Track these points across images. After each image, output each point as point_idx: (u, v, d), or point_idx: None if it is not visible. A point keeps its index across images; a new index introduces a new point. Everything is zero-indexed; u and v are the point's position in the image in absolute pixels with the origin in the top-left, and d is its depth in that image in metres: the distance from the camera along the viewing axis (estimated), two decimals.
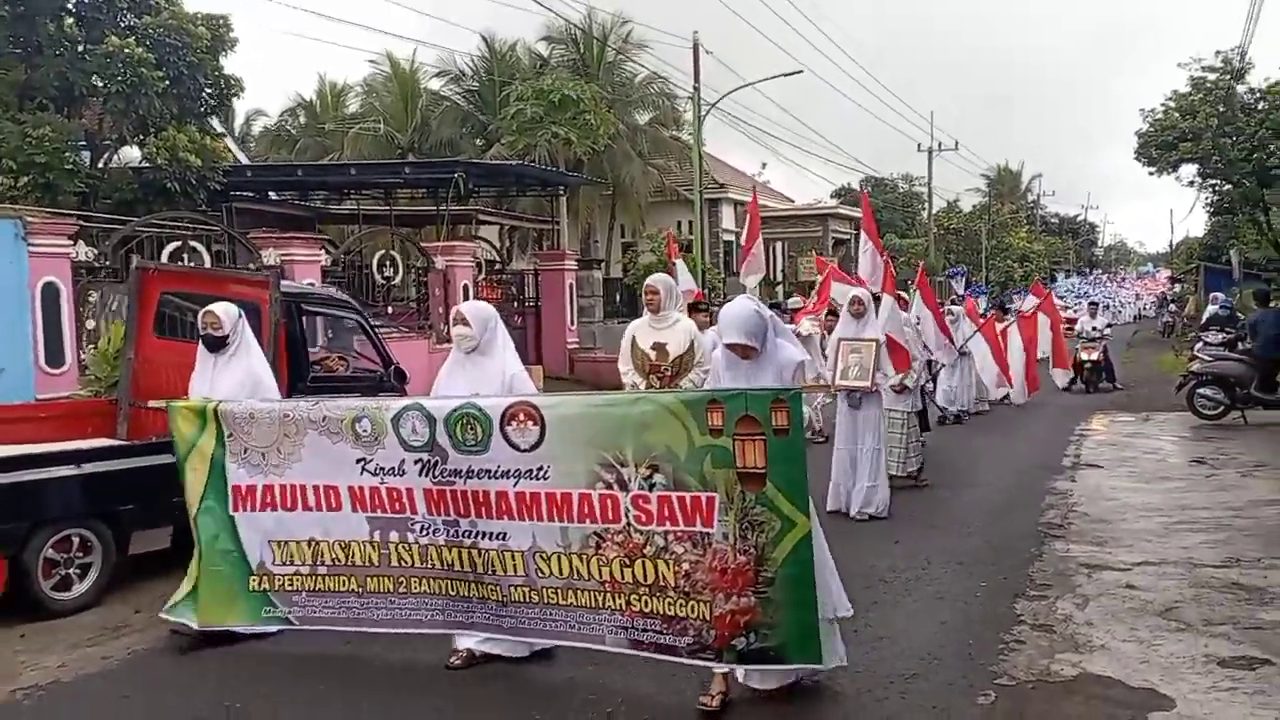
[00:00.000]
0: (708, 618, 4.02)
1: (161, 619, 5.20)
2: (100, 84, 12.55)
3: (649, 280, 6.99)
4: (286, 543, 4.87)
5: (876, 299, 8.62)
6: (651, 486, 4.08)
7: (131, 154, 14.16)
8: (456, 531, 4.50)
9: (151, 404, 6.25)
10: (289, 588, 4.90)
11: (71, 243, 10.35)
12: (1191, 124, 25.67)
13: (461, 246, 15.88)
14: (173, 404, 5.19)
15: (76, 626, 5.63)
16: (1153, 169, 28.21)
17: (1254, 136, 24.03)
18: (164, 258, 10.89)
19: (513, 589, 4.44)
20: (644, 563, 4.12)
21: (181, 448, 5.05)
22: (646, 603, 4.14)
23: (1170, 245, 69.45)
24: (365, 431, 4.60)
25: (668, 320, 6.76)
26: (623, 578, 4.17)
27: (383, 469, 4.61)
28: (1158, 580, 5.98)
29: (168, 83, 12.39)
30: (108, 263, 10.86)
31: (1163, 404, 15.43)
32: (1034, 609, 5.54)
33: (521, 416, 4.30)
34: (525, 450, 4.30)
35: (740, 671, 4.22)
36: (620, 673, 4.54)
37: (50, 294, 10.08)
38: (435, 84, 29.88)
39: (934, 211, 48.21)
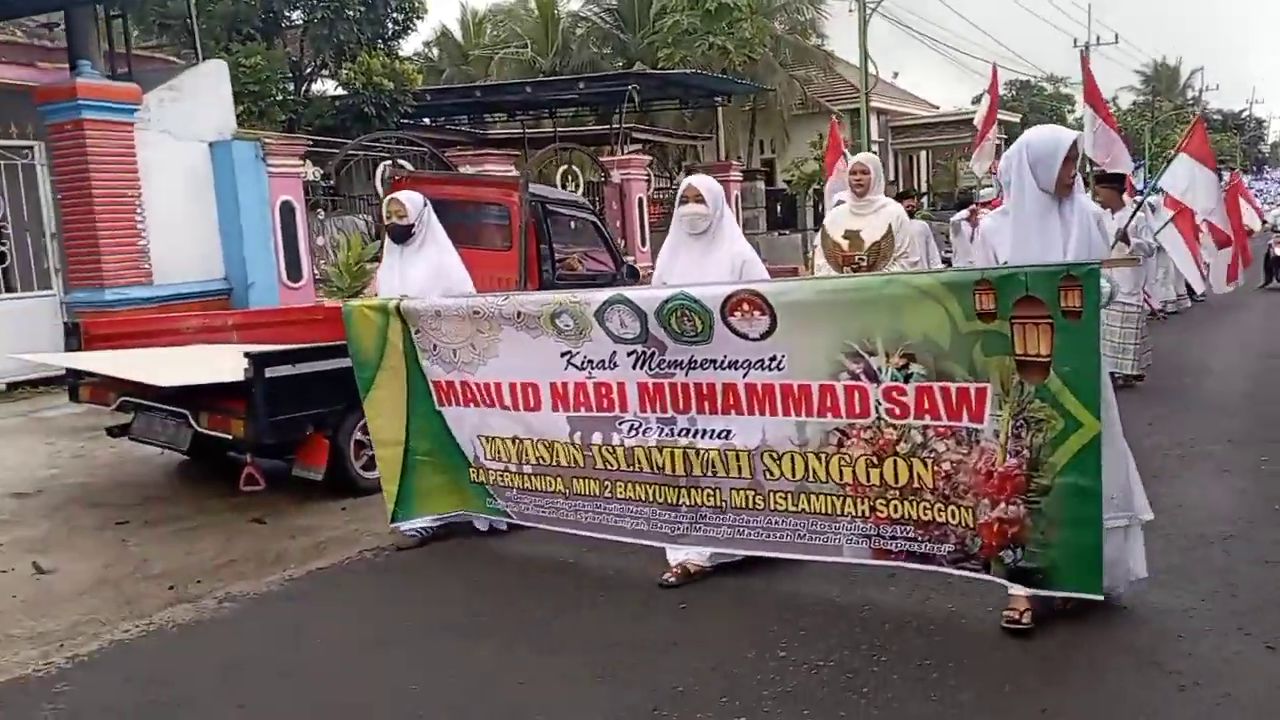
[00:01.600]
0: (971, 524, 3.54)
1: (392, 531, 4.97)
2: (301, 14, 13.11)
3: (856, 159, 6.31)
4: (493, 438, 4.62)
5: (1116, 179, 8.28)
6: (908, 378, 3.57)
7: (327, 84, 14.81)
8: (672, 430, 4.08)
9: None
10: (501, 484, 4.68)
11: (302, 163, 10.96)
12: None
13: (636, 160, 16.06)
14: (349, 304, 4.95)
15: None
16: None
17: None
18: (377, 175, 11.43)
19: (734, 493, 4.00)
20: (896, 462, 3.64)
21: (365, 348, 4.78)
22: (896, 508, 3.68)
23: None
24: (568, 326, 4.21)
25: (871, 205, 6.05)
26: (868, 479, 3.71)
27: (591, 362, 4.21)
28: None
29: (363, 8, 12.84)
30: (331, 182, 11.46)
31: None
32: None
33: (746, 306, 3.79)
34: (755, 339, 3.82)
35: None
36: (860, 586, 4.10)
37: (287, 212, 10.75)
38: (574, 4, 29.97)
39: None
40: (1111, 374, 7.49)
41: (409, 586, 4.54)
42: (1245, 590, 3.96)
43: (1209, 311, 14.26)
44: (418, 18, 14.33)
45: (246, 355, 5.25)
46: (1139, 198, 8.57)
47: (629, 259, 14.80)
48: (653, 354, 4.03)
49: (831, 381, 3.71)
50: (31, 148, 10.13)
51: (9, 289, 10.29)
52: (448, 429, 4.74)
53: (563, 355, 4.26)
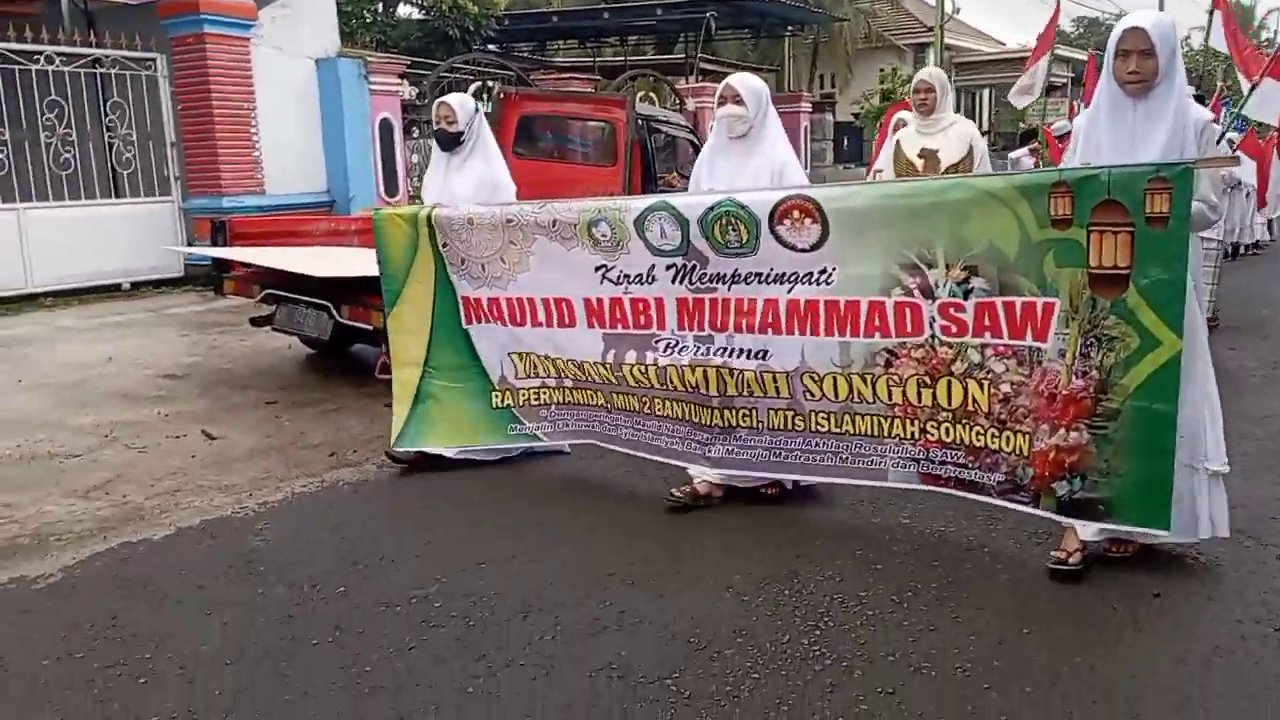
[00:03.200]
0: (1025, 453, 3.26)
1: (388, 454, 4.65)
2: None
3: (920, 75, 5.86)
4: (528, 354, 4.37)
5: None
6: (968, 294, 3.27)
7: (410, 8, 15.10)
8: (708, 349, 3.81)
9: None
10: (535, 401, 4.43)
11: (401, 82, 11.31)
12: None
13: (711, 88, 16.14)
14: (380, 211, 4.68)
15: None
16: None
17: None
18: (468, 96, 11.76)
19: (772, 413, 3.74)
20: (950, 383, 3.35)
21: (394, 259, 4.51)
22: (948, 430, 3.40)
23: None
24: (605, 237, 3.95)
25: (941, 123, 5.61)
26: (919, 400, 3.42)
27: (627, 276, 3.95)
28: None
29: None
30: (426, 101, 11.80)
31: None
32: None
33: (796, 214, 3.50)
34: (804, 250, 3.54)
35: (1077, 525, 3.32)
36: (889, 510, 3.90)
37: (386, 129, 11.15)
38: None
39: None
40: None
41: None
42: None
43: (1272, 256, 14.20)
44: None
45: None
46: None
47: None
48: (694, 267, 3.77)
49: (882, 298, 3.42)
50: (154, 60, 10.60)
51: (133, 194, 10.84)
52: (473, 348, 4.50)
53: (597, 270, 4.00)
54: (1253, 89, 6.78)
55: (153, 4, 10.32)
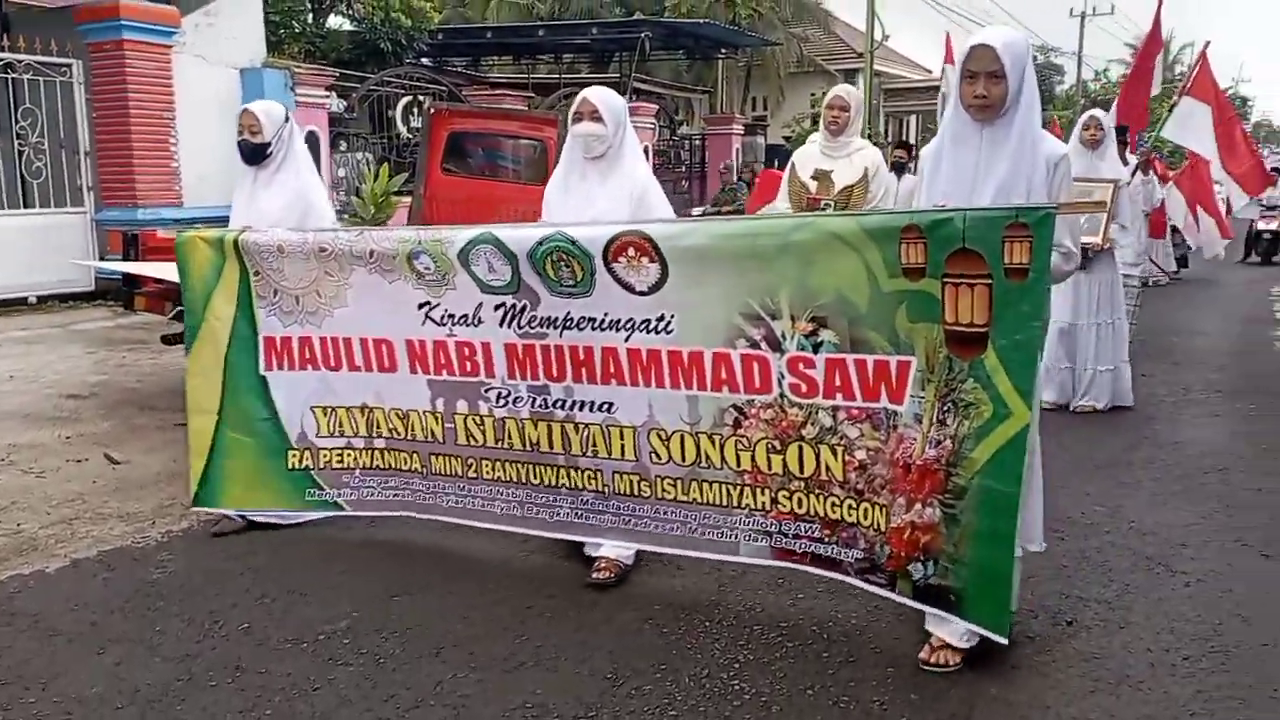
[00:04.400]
0: (882, 528, 2.92)
1: (194, 513, 4.18)
2: None
3: (835, 91, 5.45)
4: (334, 410, 3.85)
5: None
6: (817, 347, 2.94)
7: (342, 19, 14.88)
8: (546, 400, 3.43)
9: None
10: (337, 464, 3.90)
11: (329, 94, 11.12)
12: None
13: (644, 108, 16.27)
14: (181, 235, 4.06)
15: None
16: None
17: None
18: (399, 110, 11.59)
19: (618, 477, 3.38)
20: (801, 448, 3.02)
21: (194, 289, 3.96)
22: (801, 501, 3.07)
23: None
24: (428, 270, 3.51)
25: (846, 147, 5.21)
26: (769, 468, 3.09)
27: (452, 316, 3.52)
28: None
29: None
30: (355, 114, 11.61)
31: None
32: None
33: (633, 251, 3.13)
34: (643, 293, 3.17)
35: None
36: (739, 587, 3.46)
37: (312, 142, 10.91)
38: None
39: (1080, 80, 46.17)
40: None
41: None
42: (1241, 511, 4.39)
43: (1191, 285, 14.59)
44: None
45: None
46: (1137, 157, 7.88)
47: None
48: (524, 308, 3.38)
49: (727, 349, 3.08)
50: (70, 66, 10.26)
51: (43, 204, 10.45)
52: (270, 399, 3.94)
53: (420, 307, 3.57)
54: (1170, 109, 6.95)
55: (70, 8, 9.98)
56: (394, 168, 10.14)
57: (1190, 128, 6.71)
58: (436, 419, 3.66)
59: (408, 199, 8.95)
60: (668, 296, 3.14)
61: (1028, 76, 2.79)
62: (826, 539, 3.06)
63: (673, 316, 3.16)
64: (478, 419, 3.57)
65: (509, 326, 3.42)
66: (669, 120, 21.87)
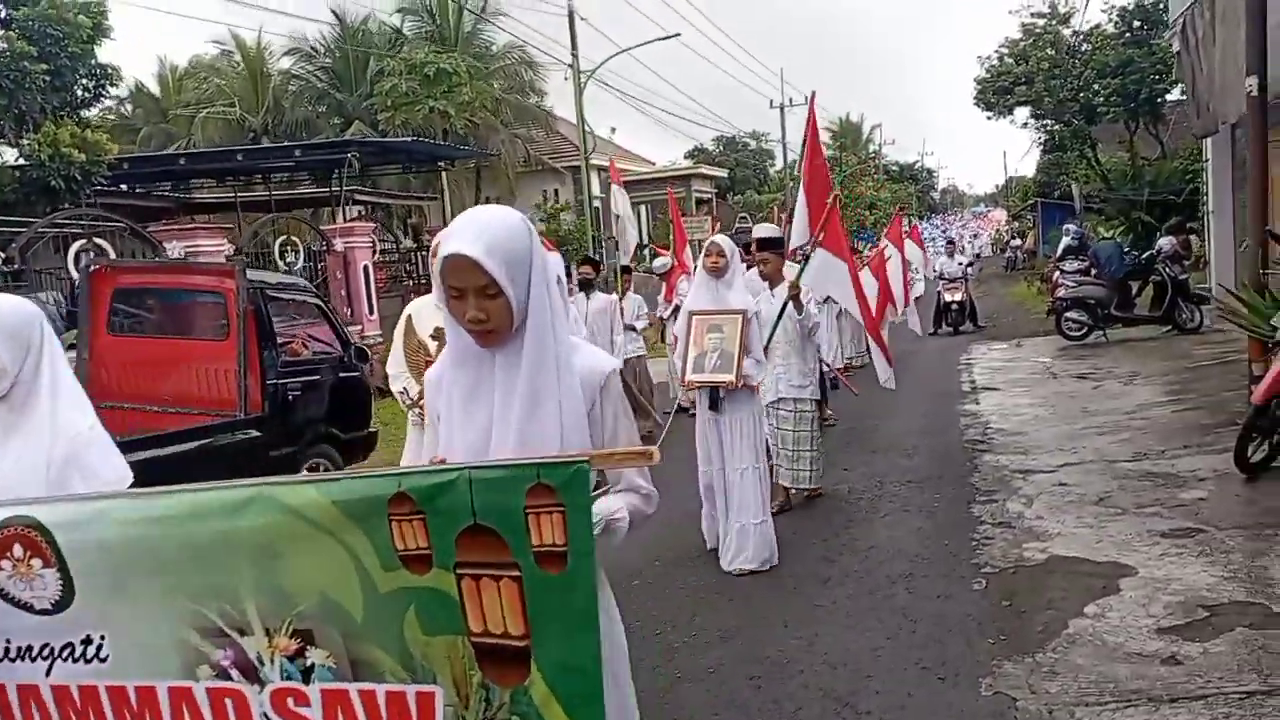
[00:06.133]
0: None
1: None
2: None
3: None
4: None
5: (776, 243, 6.55)
6: (307, 674, 1.99)
7: (8, 153, 13.53)
8: None
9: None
10: None
11: None
12: (1025, 69, 27.80)
13: (360, 226, 15.81)
14: None
15: None
16: (990, 113, 30.27)
17: (1080, 77, 26.18)
18: (70, 256, 10.58)
19: None
20: None
21: None
22: None
23: (1000, 185, 73.95)
24: None
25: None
26: None
27: None
28: (1084, 476, 6.85)
29: (49, 76, 11.89)
30: (16, 265, 10.46)
31: (1027, 330, 17.04)
32: (989, 510, 6.29)
33: (20, 550, 2.06)
34: (48, 612, 2.08)
35: None
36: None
37: None
38: (286, 63, 29.23)
39: (788, 163, 49.99)
40: (786, 490, 6.46)
41: None
42: (923, 625, 4.55)
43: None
44: (110, 84, 13.43)
45: None
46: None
47: (356, 329, 14.55)
48: None
49: (187, 682, 2.05)
50: None
51: None
52: None
53: None
54: (806, 260, 6.26)
55: None
56: (69, 320, 9.16)
57: (832, 280, 6.37)
58: None
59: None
60: (81, 613, 2.05)
61: (530, 264, 2.00)
62: None
63: (103, 639, 2.09)
64: None
65: None
66: (391, 231, 21.49)
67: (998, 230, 57.05)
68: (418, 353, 4.49)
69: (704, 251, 5.59)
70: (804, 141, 6.61)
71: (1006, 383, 11.70)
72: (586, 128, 23.64)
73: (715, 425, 5.53)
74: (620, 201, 9.64)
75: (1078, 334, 14.45)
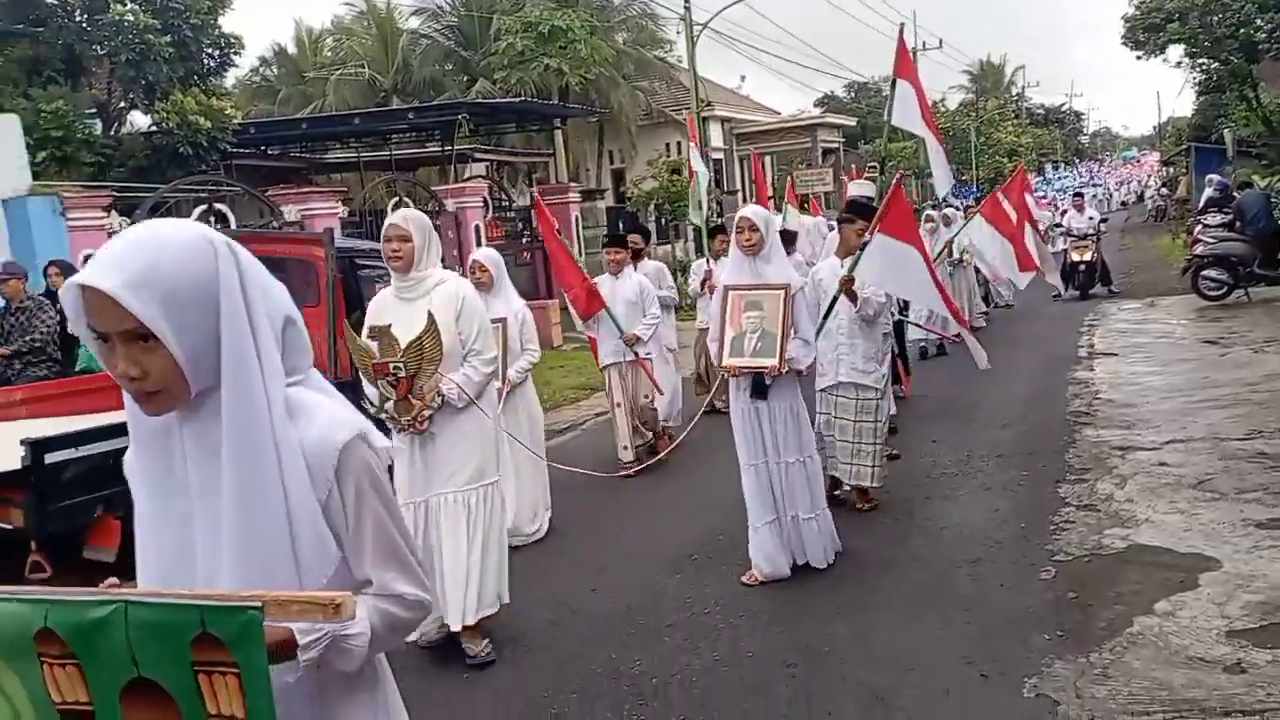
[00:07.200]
0: None
1: None
2: (106, 53, 12.66)
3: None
4: None
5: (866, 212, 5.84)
6: None
7: (141, 120, 14.32)
8: None
9: None
10: None
11: (106, 214, 10.59)
12: (1177, 3, 25.80)
13: (472, 187, 16.05)
14: None
15: None
16: (1140, 52, 28.26)
17: (1240, 11, 24.12)
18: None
19: None
20: None
21: None
22: None
23: (1155, 128, 69.31)
24: None
25: (419, 285, 4.12)
26: None
27: None
28: (1188, 456, 6.43)
29: (173, 48, 12.50)
30: None
31: (1164, 288, 15.95)
32: (1076, 491, 5.98)
33: None
34: None
35: None
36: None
37: None
38: (414, 22, 29.74)
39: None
40: (837, 483, 5.84)
41: None
42: (979, 616, 4.37)
43: (1008, 322, 14.75)
44: (235, 53, 14.04)
45: (23, 442, 5.11)
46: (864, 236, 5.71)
47: None
48: None
49: None
50: None
51: None
52: None
53: None
54: (862, 248, 5.41)
55: None
56: None
57: (895, 269, 5.45)
58: None
59: None
60: None
61: (230, 321, 1.48)
62: None
63: None
64: None
65: None
66: (516, 185, 21.74)
67: (1150, 176, 53.61)
68: (364, 358, 4.08)
69: (734, 227, 5.01)
70: (893, 80, 5.75)
71: (1127, 347, 11.05)
72: (708, 79, 23.26)
73: (756, 415, 4.94)
74: (696, 160, 9.50)
75: (1216, 293, 13.49)
